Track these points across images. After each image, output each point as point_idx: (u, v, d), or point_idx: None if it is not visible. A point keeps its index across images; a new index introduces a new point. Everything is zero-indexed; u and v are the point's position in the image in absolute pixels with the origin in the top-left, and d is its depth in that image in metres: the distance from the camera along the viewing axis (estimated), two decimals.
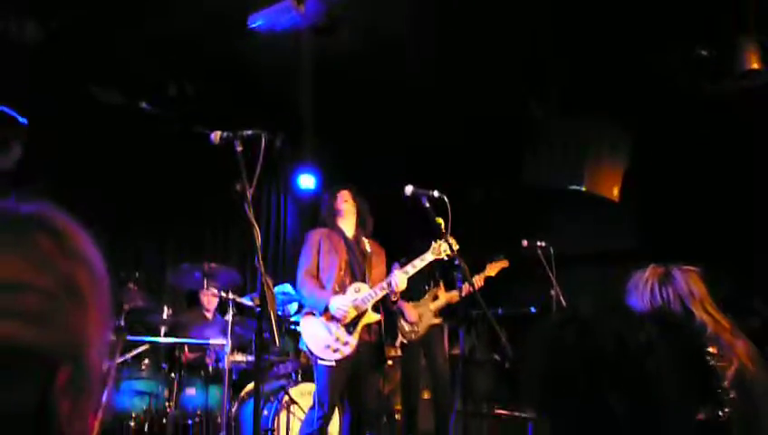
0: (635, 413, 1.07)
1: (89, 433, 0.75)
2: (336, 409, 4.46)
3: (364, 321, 3.97)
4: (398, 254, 6.39)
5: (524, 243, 5.34)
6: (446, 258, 4.21)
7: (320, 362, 3.85)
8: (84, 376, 0.73)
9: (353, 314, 3.90)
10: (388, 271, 6.17)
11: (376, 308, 4.04)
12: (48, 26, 4.92)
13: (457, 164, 6.97)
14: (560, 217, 7.15)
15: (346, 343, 3.88)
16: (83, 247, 0.76)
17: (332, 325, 3.90)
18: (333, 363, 3.83)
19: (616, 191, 5.92)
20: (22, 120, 3.09)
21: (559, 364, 1.19)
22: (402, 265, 6.13)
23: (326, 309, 3.88)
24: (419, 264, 4.22)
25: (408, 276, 4.12)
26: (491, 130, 6.49)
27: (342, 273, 4.04)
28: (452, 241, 4.04)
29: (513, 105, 6.14)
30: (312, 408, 3.94)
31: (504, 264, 5.59)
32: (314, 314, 3.95)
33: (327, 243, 4.10)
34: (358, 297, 3.97)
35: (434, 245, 4.19)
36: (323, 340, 3.88)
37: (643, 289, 2.38)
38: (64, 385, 0.70)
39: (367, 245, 4.29)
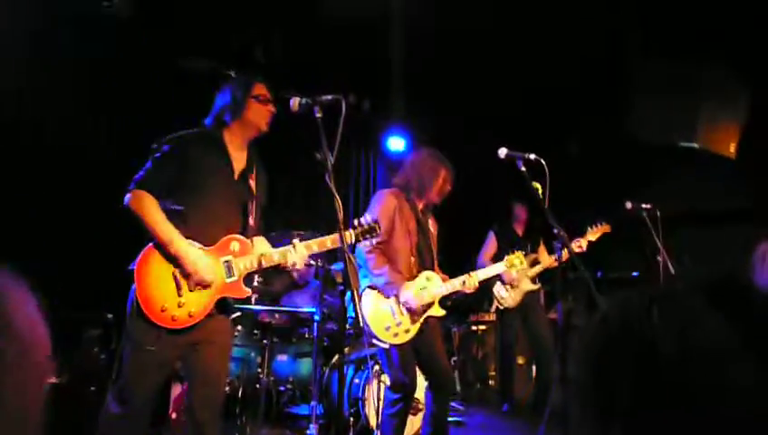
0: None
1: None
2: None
3: (430, 313, 3.76)
4: (491, 217, 6.20)
5: (628, 205, 5.02)
6: (514, 274, 4.07)
7: (375, 341, 3.62)
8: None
9: (423, 305, 3.70)
10: (482, 238, 6.01)
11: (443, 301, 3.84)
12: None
13: (554, 118, 6.60)
14: (665, 174, 6.67)
15: (407, 331, 3.66)
16: (14, 314, 0.75)
17: (398, 308, 3.66)
18: (387, 346, 3.61)
19: (733, 148, 5.39)
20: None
21: (601, 373, 0.94)
22: (496, 233, 5.94)
23: (395, 295, 3.66)
24: (491, 272, 4.09)
25: (478, 280, 3.90)
26: (590, 79, 6.06)
27: (413, 260, 3.79)
28: (521, 257, 4.08)
29: (614, 49, 5.67)
30: (389, 387, 3.76)
31: (605, 229, 5.31)
32: (379, 290, 3.70)
33: (400, 217, 3.78)
34: (428, 288, 3.75)
35: (507, 257, 4.11)
36: (385, 320, 3.64)
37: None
38: None
39: (431, 224, 4.01)
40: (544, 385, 5.88)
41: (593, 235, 5.22)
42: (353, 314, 3.35)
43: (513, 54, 6.05)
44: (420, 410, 4.49)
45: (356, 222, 3.09)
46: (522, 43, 5.89)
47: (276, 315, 4.97)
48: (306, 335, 5.20)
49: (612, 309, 0.95)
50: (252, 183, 3.02)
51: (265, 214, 3.18)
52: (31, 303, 0.76)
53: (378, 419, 4.23)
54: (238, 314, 4.97)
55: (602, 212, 5.44)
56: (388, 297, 3.67)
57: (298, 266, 2.97)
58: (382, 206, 3.79)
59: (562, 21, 5.42)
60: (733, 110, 5.45)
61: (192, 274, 2.70)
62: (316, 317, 4.59)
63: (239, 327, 5.01)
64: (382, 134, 7.70)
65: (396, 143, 7.62)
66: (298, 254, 2.93)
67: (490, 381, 7.12)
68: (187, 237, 2.72)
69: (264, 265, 2.90)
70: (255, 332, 5.06)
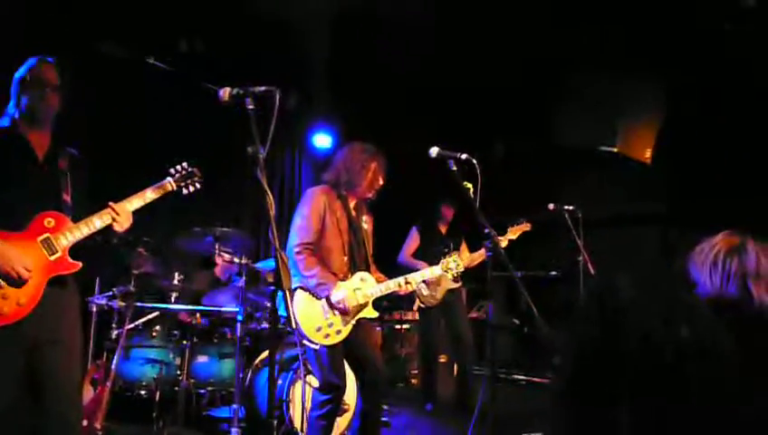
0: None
1: None
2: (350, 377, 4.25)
3: (363, 314, 3.68)
4: (416, 217, 6.20)
5: (551, 206, 5.12)
6: (452, 278, 4.02)
7: (306, 343, 3.50)
8: None
9: (356, 306, 3.62)
10: (404, 236, 5.99)
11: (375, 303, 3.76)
12: None
13: (480, 120, 6.68)
14: (586, 178, 6.88)
15: (338, 332, 3.57)
16: None
17: (329, 308, 3.56)
18: (317, 347, 3.51)
19: (649, 153, 5.61)
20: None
21: (583, 365, 0.97)
22: (419, 230, 5.94)
23: (327, 295, 3.55)
24: (427, 275, 4.00)
25: (415, 283, 3.86)
26: (515, 85, 6.17)
27: (346, 259, 3.68)
28: (458, 260, 4.03)
29: (539, 59, 5.79)
30: (317, 389, 3.66)
31: (525, 227, 5.39)
32: (310, 291, 3.59)
33: (331, 215, 3.67)
34: (362, 289, 3.66)
35: (443, 260, 4.03)
36: (316, 320, 3.53)
37: (706, 256, 2.10)
38: None
39: (363, 220, 3.89)
40: (464, 384, 5.93)
41: (514, 233, 5.30)
42: (285, 314, 3.23)
43: (441, 53, 6.08)
44: (346, 410, 4.42)
45: (172, 170, 3.08)
46: (452, 42, 5.92)
47: (197, 314, 4.80)
48: (228, 335, 5.04)
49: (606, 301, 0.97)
50: (63, 162, 2.89)
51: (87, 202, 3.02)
52: None
53: (303, 421, 4.14)
54: (156, 313, 4.78)
55: (525, 213, 5.52)
56: (319, 298, 3.57)
57: (125, 226, 2.87)
58: (312, 204, 3.67)
59: (494, 23, 5.48)
60: (649, 116, 5.67)
61: (5, 272, 2.55)
62: (239, 317, 4.46)
63: (157, 327, 4.81)
64: (308, 130, 7.59)
65: (322, 140, 7.52)
66: (121, 213, 2.85)
67: (413, 380, 7.14)
68: None
69: (87, 232, 2.78)
70: (175, 332, 4.86)
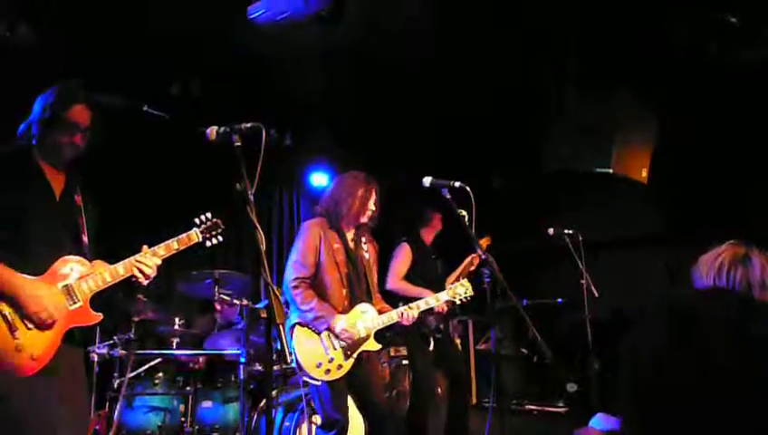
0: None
1: None
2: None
3: (365, 347, 3.63)
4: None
5: (550, 231, 5.07)
6: (458, 302, 4.05)
7: (307, 379, 3.46)
8: None
9: (359, 337, 3.59)
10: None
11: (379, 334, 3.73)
12: (40, 29, 4.68)
13: (476, 152, 6.70)
14: (583, 202, 6.88)
15: (339, 367, 3.52)
16: None
17: (330, 343, 3.52)
18: (318, 383, 3.47)
19: (645, 173, 5.60)
20: None
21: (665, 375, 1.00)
22: (410, 244, 5.56)
23: (327, 328, 3.52)
24: (431, 302, 4.01)
25: (418, 312, 3.86)
26: (510, 114, 6.20)
27: (345, 292, 3.64)
28: (466, 285, 4.03)
29: (533, 87, 5.83)
30: (320, 427, 3.61)
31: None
32: (308, 326, 3.55)
33: (327, 247, 3.62)
34: (363, 321, 3.62)
35: (449, 287, 4.07)
36: (316, 357, 3.49)
37: (711, 264, 2.08)
38: None
39: (365, 250, 3.83)
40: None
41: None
42: (280, 349, 3.19)
43: (433, 87, 6.11)
44: None
45: (197, 220, 2.89)
46: (442, 76, 5.97)
47: (200, 359, 4.75)
48: (232, 379, 4.98)
49: None
50: (78, 198, 2.71)
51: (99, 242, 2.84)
52: None
53: None
54: (158, 360, 4.73)
55: (524, 238, 5.47)
56: (318, 333, 3.52)
57: (152, 275, 2.68)
58: (306, 238, 3.66)
59: (480, 53, 5.53)
60: (644, 136, 5.68)
61: (35, 313, 2.35)
62: (242, 359, 4.41)
63: (160, 374, 4.75)
64: (305, 170, 7.61)
65: (319, 179, 7.53)
66: (148, 262, 2.66)
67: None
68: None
69: (110, 280, 2.59)
70: (178, 378, 4.80)
